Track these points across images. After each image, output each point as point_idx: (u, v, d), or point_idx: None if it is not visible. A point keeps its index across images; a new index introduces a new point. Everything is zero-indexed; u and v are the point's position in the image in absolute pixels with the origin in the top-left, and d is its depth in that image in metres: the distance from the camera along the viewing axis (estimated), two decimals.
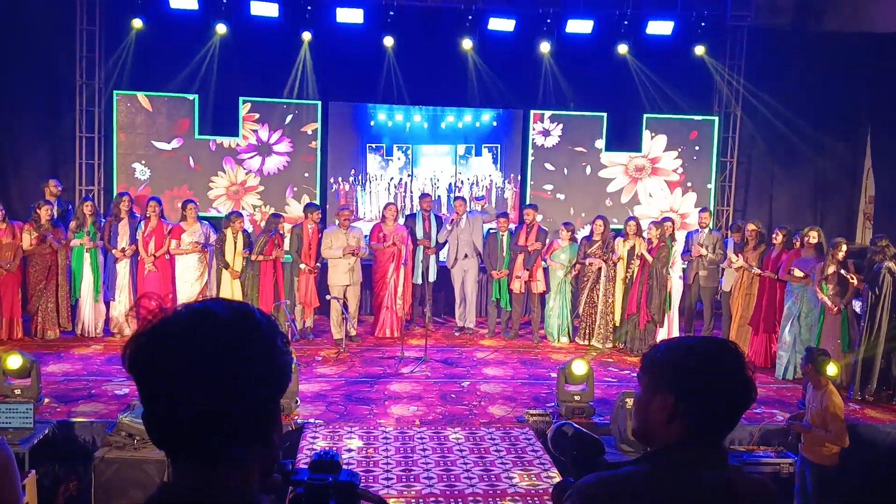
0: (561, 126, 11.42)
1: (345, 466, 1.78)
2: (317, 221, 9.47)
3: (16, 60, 10.42)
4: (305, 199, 10.81)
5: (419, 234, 9.86)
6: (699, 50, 11.19)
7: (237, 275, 8.99)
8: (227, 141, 10.98)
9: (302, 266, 9.30)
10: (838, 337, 7.65)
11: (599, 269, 9.30)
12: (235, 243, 9.01)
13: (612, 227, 9.71)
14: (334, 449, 5.75)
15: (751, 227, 8.96)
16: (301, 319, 9.49)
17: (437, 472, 5.51)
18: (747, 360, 1.67)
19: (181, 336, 1.13)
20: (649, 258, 8.95)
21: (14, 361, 6.25)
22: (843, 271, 7.59)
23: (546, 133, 11.43)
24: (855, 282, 7.54)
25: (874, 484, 6.21)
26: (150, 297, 1.18)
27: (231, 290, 9.02)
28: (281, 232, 9.29)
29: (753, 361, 8.68)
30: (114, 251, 9.08)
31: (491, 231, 9.93)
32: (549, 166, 11.46)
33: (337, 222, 9.41)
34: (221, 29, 10.52)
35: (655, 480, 1.55)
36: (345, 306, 9.00)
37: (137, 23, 10.38)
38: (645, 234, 9.15)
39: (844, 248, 7.77)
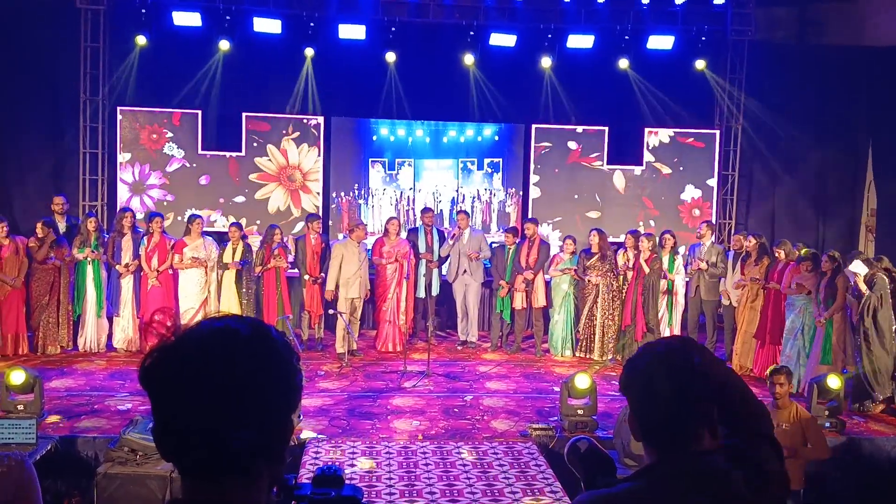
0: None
1: (347, 481, 1.78)
2: (318, 231, 9.53)
3: (20, 76, 10.50)
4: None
5: (421, 248, 9.88)
6: (700, 64, 11.24)
7: (235, 266, 9.05)
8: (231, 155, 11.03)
9: (305, 277, 9.35)
10: (820, 348, 7.69)
11: (598, 284, 9.31)
12: (234, 252, 9.13)
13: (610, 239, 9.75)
14: (337, 463, 5.75)
15: (752, 240, 8.96)
16: (308, 328, 9.54)
17: (440, 487, 5.49)
18: (697, 350, 1.62)
19: (200, 353, 1.14)
20: (646, 268, 8.98)
21: (17, 377, 6.25)
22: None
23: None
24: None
25: (871, 499, 6.19)
26: (164, 313, 1.19)
27: (229, 299, 9.09)
28: (284, 244, 9.36)
29: (758, 374, 8.66)
30: (117, 267, 9.09)
31: (495, 245, 9.97)
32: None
33: (341, 236, 9.41)
34: (225, 45, 10.59)
35: (652, 496, 1.55)
36: (343, 317, 9.03)
37: (141, 39, 10.45)
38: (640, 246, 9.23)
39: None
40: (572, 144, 11.50)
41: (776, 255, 8.64)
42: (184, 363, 1.13)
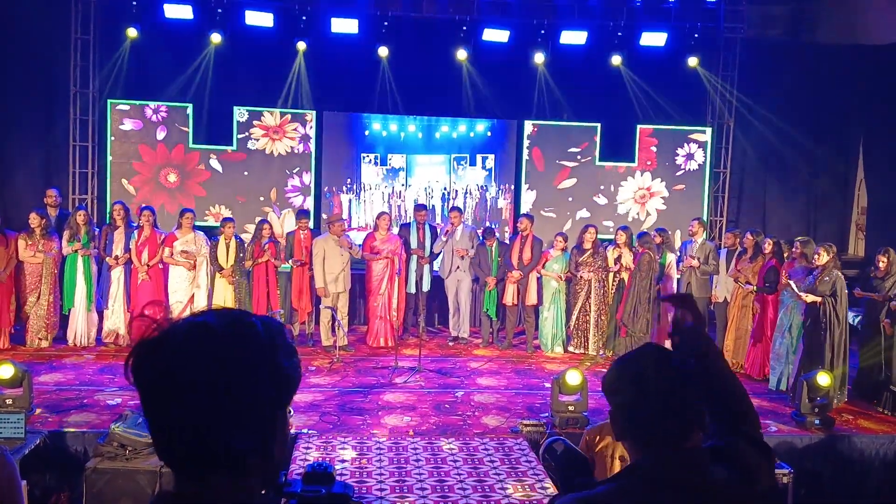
0: None
1: (338, 478, 1.77)
2: (307, 227, 9.50)
3: (10, 68, 10.42)
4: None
5: (413, 243, 9.86)
6: (692, 61, 11.26)
7: (230, 273, 8.99)
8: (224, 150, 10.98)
9: (290, 261, 9.24)
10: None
11: (590, 279, 9.32)
12: (228, 249, 9.04)
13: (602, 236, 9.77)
14: (327, 459, 5.74)
15: (750, 238, 8.92)
16: (298, 324, 9.52)
17: (430, 483, 5.49)
18: (666, 355, 1.64)
19: (179, 349, 1.13)
20: (631, 265, 8.98)
21: (6, 371, 6.21)
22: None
23: None
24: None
25: (860, 497, 6.22)
26: (152, 307, 1.19)
27: (224, 296, 9.04)
28: (275, 240, 9.31)
29: (749, 373, 8.67)
30: (107, 259, 9.03)
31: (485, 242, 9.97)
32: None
33: (328, 231, 9.37)
34: (216, 38, 10.54)
35: (636, 494, 1.54)
36: (335, 313, 9.01)
37: (132, 32, 10.39)
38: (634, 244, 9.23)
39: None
40: (565, 141, 11.51)
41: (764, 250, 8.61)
42: (163, 360, 1.12)
